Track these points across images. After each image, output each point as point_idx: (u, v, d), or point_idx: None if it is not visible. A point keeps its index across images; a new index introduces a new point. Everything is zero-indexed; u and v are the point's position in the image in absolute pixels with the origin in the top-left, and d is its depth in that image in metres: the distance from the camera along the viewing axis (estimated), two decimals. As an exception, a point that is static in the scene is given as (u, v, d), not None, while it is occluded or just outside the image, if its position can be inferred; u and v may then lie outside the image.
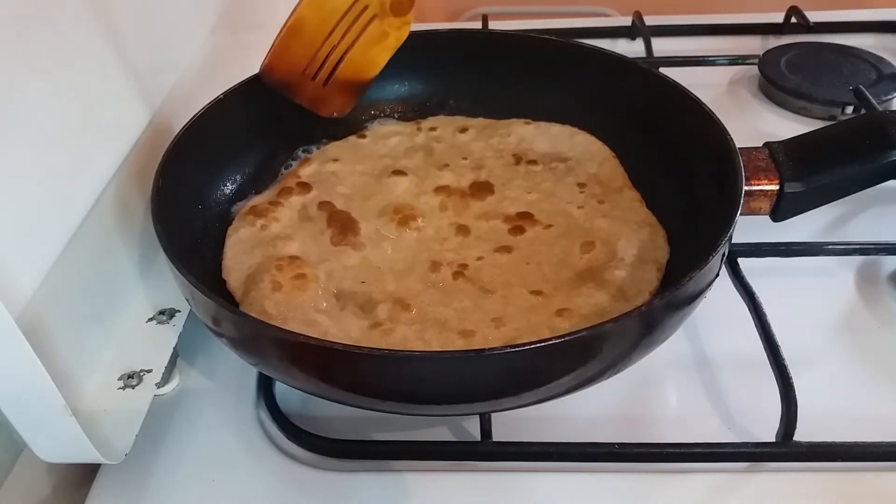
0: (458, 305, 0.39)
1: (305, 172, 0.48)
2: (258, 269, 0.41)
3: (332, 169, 0.48)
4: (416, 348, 0.36)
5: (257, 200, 0.46)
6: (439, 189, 0.46)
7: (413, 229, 0.43)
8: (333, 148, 0.50)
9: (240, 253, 0.42)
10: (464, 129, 0.51)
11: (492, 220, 0.44)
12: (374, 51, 0.47)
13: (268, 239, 0.43)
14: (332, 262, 0.41)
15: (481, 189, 0.46)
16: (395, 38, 0.47)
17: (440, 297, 0.39)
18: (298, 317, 0.38)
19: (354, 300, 0.39)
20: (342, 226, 0.43)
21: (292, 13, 0.45)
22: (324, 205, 0.45)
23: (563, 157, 0.48)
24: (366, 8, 0.46)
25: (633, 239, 0.41)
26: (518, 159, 0.48)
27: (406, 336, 0.37)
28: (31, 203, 0.33)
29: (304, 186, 0.46)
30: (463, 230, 0.43)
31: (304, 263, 0.40)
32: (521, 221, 0.44)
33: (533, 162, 0.48)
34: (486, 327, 0.37)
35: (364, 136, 0.51)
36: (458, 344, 0.36)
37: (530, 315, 0.38)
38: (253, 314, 0.37)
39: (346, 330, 0.37)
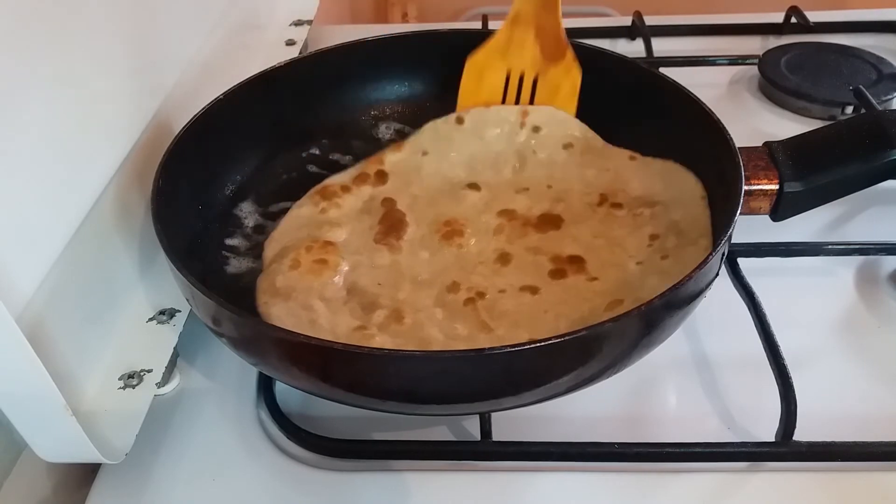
0: (452, 331, 0.38)
1: (391, 160, 0.47)
2: (292, 244, 0.41)
3: (417, 163, 0.47)
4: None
5: (333, 180, 0.46)
6: (504, 212, 0.44)
7: (455, 245, 0.42)
8: (428, 133, 0.49)
9: (290, 228, 0.43)
10: (568, 146, 0.47)
11: (540, 255, 0.41)
12: (558, 105, 0.47)
13: (321, 222, 0.43)
14: (364, 258, 0.41)
15: (548, 222, 0.43)
16: (570, 86, 0.46)
17: (442, 317, 0.38)
18: (300, 297, 0.38)
19: (362, 298, 0.39)
20: (390, 226, 0.43)
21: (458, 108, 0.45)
22: (386, 202, 0.44)
23: (652, 202, 0.43)
24: (522, 74, 0.46)
25: None
26: (603, 199, 0.44)
27: (381, 345, 0.36)
28: (32, 203, 0.33)
29: (382, 176, 0.46)
30: (504, 258, 0.41)
31: (335, 251, 0.41)
32: (567, 265, 0.40)
33: (617, 206, 0.44)
34: None
35: (462, 122, 0.48)
36: None
37: None
38: (263, 285, 0.38)
39: (334, 323, 0.37)
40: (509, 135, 0.48)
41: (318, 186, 0.46)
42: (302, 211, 0.44)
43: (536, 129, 0.48)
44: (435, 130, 0.49)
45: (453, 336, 0.37)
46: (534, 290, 0.39)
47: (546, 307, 0.38)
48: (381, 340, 0.37)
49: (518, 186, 0.46)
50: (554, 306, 0.38)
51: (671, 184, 0.44)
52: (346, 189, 0.45)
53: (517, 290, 0.39)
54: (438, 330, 0.38)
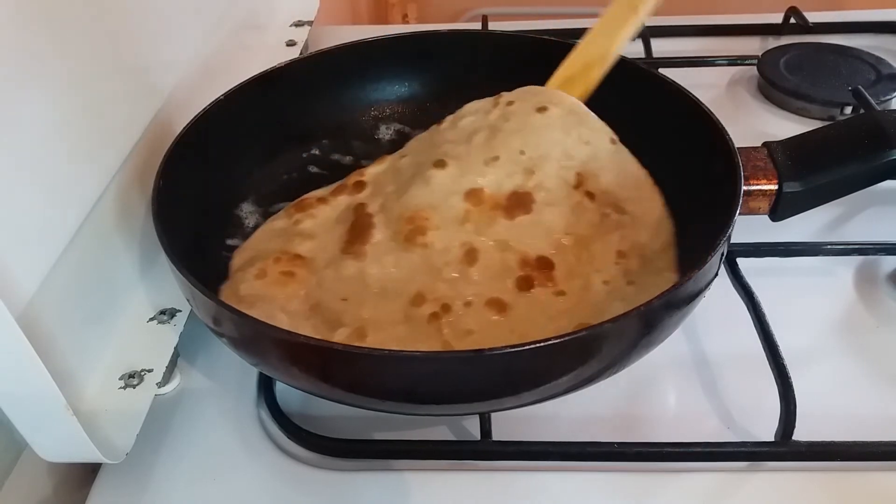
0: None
1: (371, 171, 0.45)
2: (260, 255, 0.41)
3: (396, 166, 0.45)
4: None
5: (311, 194, 0.45)
6: (471, 193, 0.40)
7: (419, 246, 0.39)
8: (411, 143, 0.47)
9: (261, 240, 0.42)
10: (542, 109, 0.43)
11: (507, 253, 0.38)
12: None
13: (292, 233, 0.42)
14: (331, 272, 0.39)
15: (518, 204, 0.40)
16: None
17: (404, 335, 0.37)
18: (264, 308, 0.37)
19: (325, 315, 0.38)
20: (356, 233, 0.41)
21: None
22: (358, 207, 0.42)
23: (620, 207, 0.41)
24: None
25: None
26: (580, 182, 0.41)
27: None
28: (32, 204, 0.33)
29: (360, 186, 0.44)
30: (470, 256, 0.38)
31: (303, 264, 0.40)
32: (535, 272, 0.38)
33: (590, 195, 0.40)
34: None
35: (441, 122, 0.46)
36: None
37: None
38: (227, 292, 0.37)
39: None
40: (483, 115, 0.45)
41: (296, 201, 0.44)
42: (275, 224, 0.43)
43: (510, 104, 0.45)
44: (417, 139, 0.48)
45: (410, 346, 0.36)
46: (501, 306, 0.37)
47: (512, 326, 0.37)
48: None
49: (487, 156, 0.42)
50: (520, 325, 0.37)
51: (641, 198, 0.42)
52: (322, 201, 0.44)
53: (483, 303, 0.37)
54: (392, 340, 0.36)
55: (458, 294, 0.38)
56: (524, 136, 0.42)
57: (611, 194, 0.41)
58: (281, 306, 0.38)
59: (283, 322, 0.37)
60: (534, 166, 0.41)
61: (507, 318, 0.37)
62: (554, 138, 0.42)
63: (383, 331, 0.37)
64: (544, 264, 0.38)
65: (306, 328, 0.37)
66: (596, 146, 0.42)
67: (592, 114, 0.44)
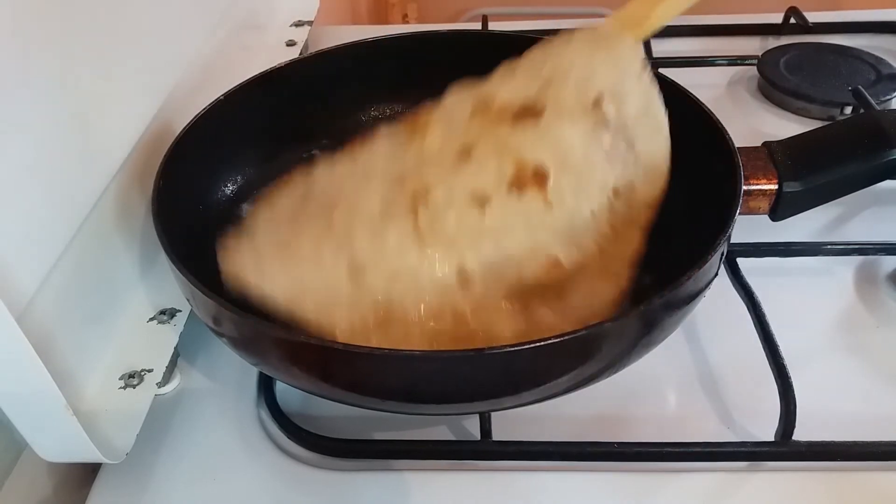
0: (382, 232, 0.34)
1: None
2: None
3: None
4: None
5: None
6: (481, 98, 0.38)
7: (418, 139, 0.37)
8: None
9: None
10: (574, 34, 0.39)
11: (504, 156, 0.36)
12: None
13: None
14: (326, 167, 0.39)
15: (527, 113, 0.37)
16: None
17: (377, 212, 0.35)
18: (263, 206, 0.38)
19: (307, 197, 0.37)
20: (362, 140, 0.39)
21: None
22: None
23: (631, 142, 0.38)
24: None
25: (585, 288, 0.35)
26: (598, 103, 0.37)
27: (304, 236, 0.35)
28: (33, 204, 0.33)
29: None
30: (466, 153, 0.36)
31: (307, 172, 0.39)
32: (528, 179, 0.35)
33: (606, 121, 0.37)
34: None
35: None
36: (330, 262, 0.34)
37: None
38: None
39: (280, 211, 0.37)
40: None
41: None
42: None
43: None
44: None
45: (381, 239, 0.34)
46: (483, 200, 0.34)
47: (488, 227, 0.34)
48: (308, 232, 0.35)
49: (509, 69, 0.39)
50: (497, 231, 0.34)
51: (651, 145, 0.39)
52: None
53: (467, 195, 0.35)
54: (368, 230, 0.34)
55: (444, 183, 0.35)
56: (548, 50, 0.40)
57: (627, 127, 0.38)
58: (276, 201, 0.38)
59: (274, 206, 0.37)
60: (552, 77, 0.38)
61: (486, 216, 0.35)
62: (581, 51, 0.39)
63: (356, 209, 0.35)
64: (539, 175, 0.35)
65: (287, 206, 0.37)
66: (626, 74, 0.39)
67: (632, 42, 0.40)
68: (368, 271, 0.34)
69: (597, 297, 0.36)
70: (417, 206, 0.34)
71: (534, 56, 0.40)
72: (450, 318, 0.34)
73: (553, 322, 0.34)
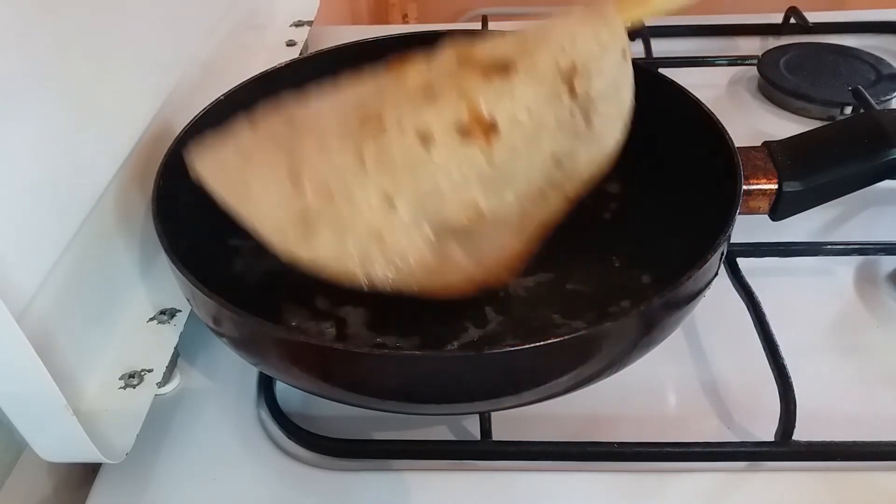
0: (327, 146, 0.35)
1: None
2: None
3: None
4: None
5: None
6: (463, 50, 0.38)
7: (392, 77, 0.38)
8: None
9: None
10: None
11: (461, 103, 0.36)
12: None
13: None
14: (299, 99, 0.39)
15: (498, 68, 0.37)
16: None
17: (325, 127, 0.36)
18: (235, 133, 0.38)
19: (293, 125, 0.38)
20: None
21: None
22: None
23: (589, 117, 0.38)
24: None
25: (497, 240, 0.37)
26: (571, 74, 0.37)
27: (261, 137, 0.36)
28: (33, 203, 0.33)
29: None
30: (430, 93, 0.36)
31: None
32: (478, 129, 0.36)
33: (573, 91, 0.37)
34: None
35: None
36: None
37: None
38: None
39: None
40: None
41: None
42: None
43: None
44: None
45: (326, 153, 0.35)
46: (429, 140, 0.35)
47: (429, 172, 0.35)
48: (270, 145, 0.36)
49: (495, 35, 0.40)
50: (435, 175, 0.35)
51: (609, 125, 0.39)
52: None
53: (415, 133, 0.35)
54: (317, 140, 0.35)
55: (398, 116, 0.36)
56: (547, 21, 0.40)
57: (591, 101, 0.38)
58: (260, 120, 0.38)
59: (256, 124, 0.37)
60: (536, 43, 0.38)
61: (428, 156, 0.35)
62: (568, 27, 0.39)
63: (310, 125, 0.36)
64: (488, 126, 0.36)
65: (266, 126, 0.38)
66: (606, 52, 0.39)
67: (621, 23, 0.40)
68: (308, 182, 0.35)
69: (505, 250, 0.37)
70: (369, 130, 0.36)
71: (533, 25, 0.41)
72: (365, 234, 0.35)
73: (459, 260, 0.36)
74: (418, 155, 0.35)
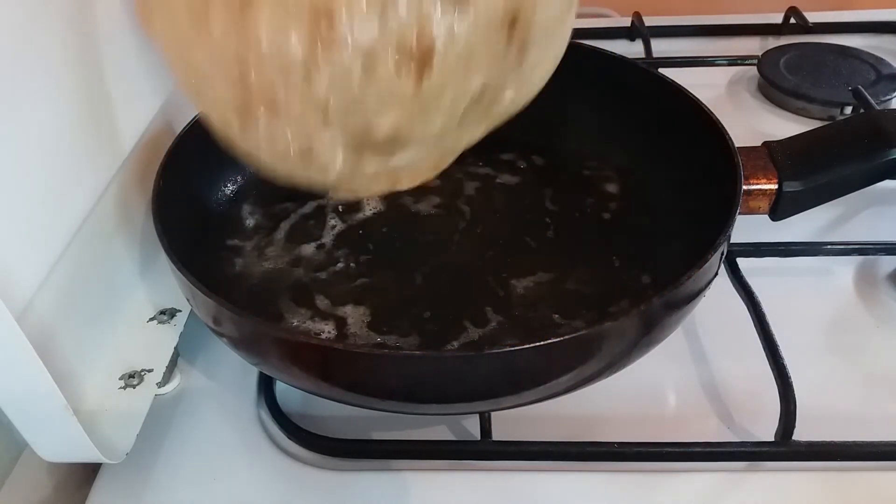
0: (284, 38, 0.33)
1: None
2: None
3: None
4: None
5: None
6: None
7: None
8: None
9: None
10: None
11: (408, 31, 0.35)
12: None
13: None
14: None
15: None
16: None
17: (269, 13, 0.34)
18: None
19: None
20: None
21: None
22: None
23: (524, 52, 0.38)
24: None
25: (412, 155, 0.37)
26: (517, 7, 0.36)
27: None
28: (33, 203, 0.33)
29: None
30: (384, 5, 0.35)
31: None
32: (416, 52, 0.35)
33: (513, 23, 0.36)
34: None
35: None
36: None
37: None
38: None
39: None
40: None
41: None
42: None
43: None
44: None
45: (282, 36, 0.33)
46: (372, 56, 0.34)
47: (357, 78, 0.34)
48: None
49: None
50: (363, 83, 0.34)
51: (540, 65, 0.39)
52: None
53: (357, 43, 0.34)
54: (270, 21, 0.33)
55: (350, 26, 0.34)
56: None
57: (528, 35, 0.37)
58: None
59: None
60: None
61: (365, 81, 0.34)
62: None
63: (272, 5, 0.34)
64: (424, 57, 0.35)
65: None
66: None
67: None
68: (252, 63, 0.34)
69: (418, 167, 0.38)
70: (318, 22, 0.33)
71: None
72: (298, 136, 0.35)
73: (373, 169, 0.36)
74: (352, 67, 0.34)
